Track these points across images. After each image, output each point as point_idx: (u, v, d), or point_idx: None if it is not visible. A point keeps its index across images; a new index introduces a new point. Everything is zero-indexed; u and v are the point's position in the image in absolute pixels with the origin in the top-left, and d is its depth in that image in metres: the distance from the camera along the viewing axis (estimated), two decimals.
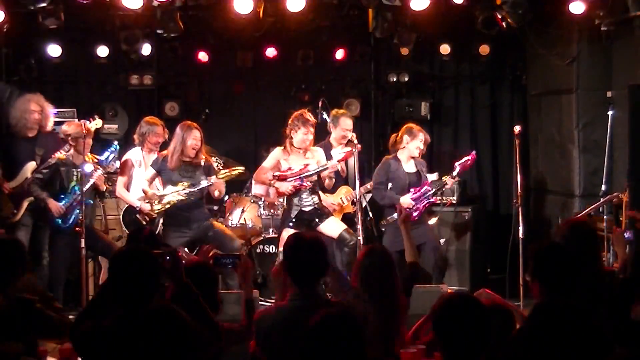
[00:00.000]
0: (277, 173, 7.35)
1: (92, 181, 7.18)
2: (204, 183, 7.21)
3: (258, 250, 8.15)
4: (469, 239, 8.71)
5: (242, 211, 8.39)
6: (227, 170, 7.31)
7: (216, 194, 7.55)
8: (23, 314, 4.16)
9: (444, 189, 7.79)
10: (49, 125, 7.71)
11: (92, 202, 7.45)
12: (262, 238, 8.20)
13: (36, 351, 4.23)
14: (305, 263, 3.99)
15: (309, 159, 7.41)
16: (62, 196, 7.29)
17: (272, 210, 8.27)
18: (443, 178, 7.60)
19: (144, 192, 7.26)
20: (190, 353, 3.52)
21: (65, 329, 4.30)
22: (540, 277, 3.82)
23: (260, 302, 6.34)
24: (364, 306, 4.13)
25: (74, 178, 7.32)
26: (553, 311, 3.23)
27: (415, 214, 7.39)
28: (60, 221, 7.27)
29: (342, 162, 7.59)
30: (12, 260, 4.31)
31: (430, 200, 7.51)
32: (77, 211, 7.20)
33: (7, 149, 7.63)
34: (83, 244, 6.98)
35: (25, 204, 7.46)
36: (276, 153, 7.49)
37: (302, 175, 7.27)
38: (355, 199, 7.37)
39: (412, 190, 7.48)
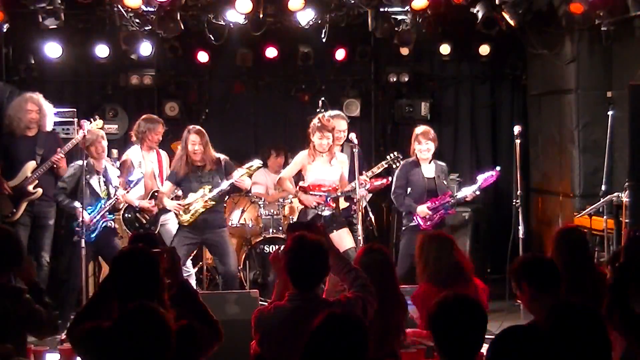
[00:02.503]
0: (303, 185, 7.37)
1: (115, 198, 7.20)
2: (223, 185, 7.22)
3: (258, 250, 8.16)
4: (469, 239, 8.70)
5: (242, 211, 8.40)
6: (245, 169, 7.28)
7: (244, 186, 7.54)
8: (10, 302, 4.14)
9: (463, 201, 7.73)
10: (49, 125, 7.71)
11: (113, 216, 7.41)
12: (262, 238, 8.20)
13: (25, 350, 4.22)
14: (307, 266, 3.97)
15: (334, 166, 7.40)
16: (90, 207, 7.20)
17: (272, 210, 8.28)
18: (464, 191, 7.58)
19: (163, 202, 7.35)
20: (188, 351, 3.52)
21: (50, 326, 4.29)
22: (528, 280, 3.95)
23: (260, 302, 6.33)
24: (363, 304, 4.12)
25: (103, 188, 7.28)
26: (572, 311, 3.22)
27: (429, 223, 7.40)
28: (86, 232, 7.13)
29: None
30: (7, 251, 4.29)
31: (448, 211, 7.49)
32: (101, 224, 7.21)
33: (7, 148, 7.63)
34: (83, 244, 6.98)
35: (24, 204, 7.46)
36: (300, 157, 7.49)
37: (328, 195, 7.29)
38: (355, 199, 7.36)
39: (431, 200, 7.45)
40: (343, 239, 7.26)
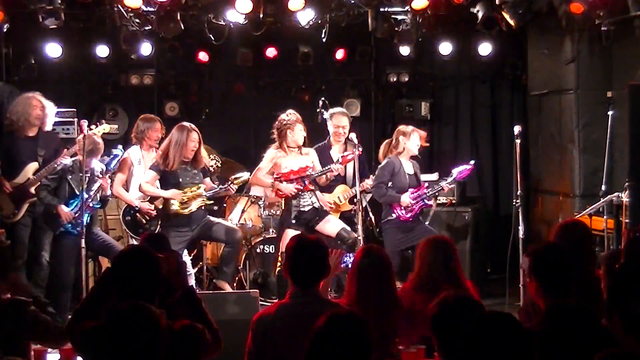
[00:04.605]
0: (277, 174, 7.36)
1: (98, 183, 7.19)
2: (218, 189, 7.33)
3: (258, 250, 8.16)
4: (469, 239, 8.70)
5: (242, 211, 8.39)
6: (234, 180, 7.38)
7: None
8: (16, 316, 4.08)
9: (438, 194, 7.93)
10: (50, 124, 7.70)
11: (99, 205, 7.45)
12: (262, 238, 8.21)
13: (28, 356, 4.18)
14: (307, 265, 4.00)
15: (305, 155, 7.47)
16: (72, 201, 7.24)
17: (272, 210, 8.28)
18: (440, 183, 7.71)
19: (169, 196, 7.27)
20: (190, 351, 3.52)
21: (61, 335, 4.19)
22: (537, 277, 3.85)
23: (260, 302, 6.34)
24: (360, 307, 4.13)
25: (84, 185, 7.29)
26: (566, 313, 3.20)
27: (409, 214, 7.51)
28: (70, 226, 7.22)
29: (344, 164, 7.56)
30: None
31: (427, 202, 7.62)
32: (87, 216, 7.21)
33: (8, 148, 7.62)
34: (83, 244, 6.98)
35: (25, 204, 7.46)
36: (271, 153, 7.49)
37: (304, 177, 7.30)
38: (355, 199, 7.38)
39: (411, 190, 7.56)
40: (331, 226, 7.35)
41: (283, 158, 7.44)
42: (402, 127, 7.79)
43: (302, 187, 7.32)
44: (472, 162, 7.92)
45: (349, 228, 7.37)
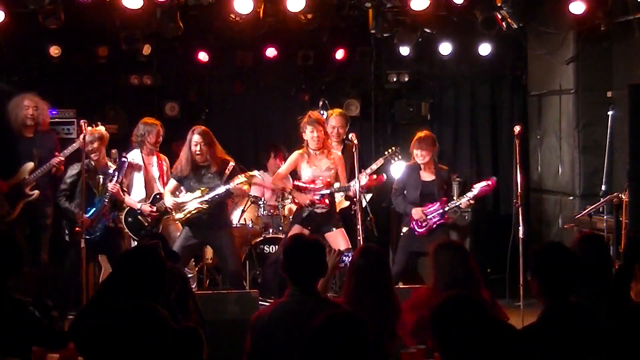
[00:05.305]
0: (298, 183, 7.35)
1: (109, 193, 7.24)
2: (219, 190, 7.08)
3: (258, 250, 8.16)
4: (469, 239, 8.71)
5: (242, 211, 8.39)
6: (244, 177, 7.15)
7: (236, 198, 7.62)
8: (15, 315, 3.98)
9: (457, 210, 7.83)
10: (46, 123, 7.70)
11: (116, 213, 7.47)
12: (262, 238, 8.21)
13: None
14: (304, 264, 4.00)
15: (332, 160, 7.37)
16: (88, 208, 7.18)
17: (272, 210, 8.28)
18: (461, 200, 7.52)
19: (170, 205, 7.23)
20: (191, 353, 3.52)
21: (61, 340, 4.07)
22: (539, 276, 3.84)
23: (260, 302, 6.34)
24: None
25: (100, 186, 7.29)
26: (564, 313, 3.19)
27: (422, 229, 7.41)
28: (86, 233, 7.09)
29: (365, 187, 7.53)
30: (6, 255, 4.07)
31: (443, 218, 7.41)
32: (103, 223, 7.25)
33: (5, 148, 7.61)
34: (83, 244, 6.97)
35: (21, 204, 7.45)
36: (294, 157, 7.44)
37: (322, 193, 7.28)
38: (354, 198, 7.37)
39: (426, 204, 7.42)
40: (337, 240, 7.22)
41: (304, 161, 7.37)
42: (418, 134, 7.60)
43: (316, 201, 7.27)
44: (494, 178, 7.70)
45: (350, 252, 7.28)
